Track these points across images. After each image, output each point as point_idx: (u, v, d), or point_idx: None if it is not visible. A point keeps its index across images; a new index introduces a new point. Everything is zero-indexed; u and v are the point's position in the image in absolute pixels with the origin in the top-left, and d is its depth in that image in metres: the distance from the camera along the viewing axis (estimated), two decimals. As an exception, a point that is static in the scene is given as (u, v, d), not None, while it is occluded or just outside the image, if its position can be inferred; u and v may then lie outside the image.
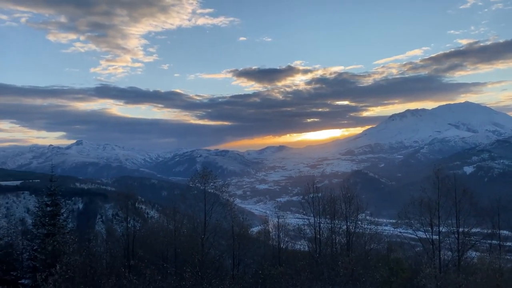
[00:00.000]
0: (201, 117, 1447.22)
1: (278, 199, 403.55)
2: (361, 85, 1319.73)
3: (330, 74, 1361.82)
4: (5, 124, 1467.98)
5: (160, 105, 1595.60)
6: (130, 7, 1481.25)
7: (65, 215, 38.76)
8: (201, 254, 31.85)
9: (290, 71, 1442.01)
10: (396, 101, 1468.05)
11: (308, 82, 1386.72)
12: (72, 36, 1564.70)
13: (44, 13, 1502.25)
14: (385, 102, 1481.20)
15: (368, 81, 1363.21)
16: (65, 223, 37.53)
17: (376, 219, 42.15)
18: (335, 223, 36.60)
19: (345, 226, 36.37)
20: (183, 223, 39.77)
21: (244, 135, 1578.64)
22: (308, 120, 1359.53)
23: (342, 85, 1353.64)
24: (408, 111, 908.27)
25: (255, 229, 55.24)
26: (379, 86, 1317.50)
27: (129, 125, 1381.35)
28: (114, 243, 39.91)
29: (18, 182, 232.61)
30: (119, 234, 43.87)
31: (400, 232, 40.35)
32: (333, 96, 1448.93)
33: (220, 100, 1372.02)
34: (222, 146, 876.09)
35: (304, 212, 38.80)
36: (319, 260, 31.17)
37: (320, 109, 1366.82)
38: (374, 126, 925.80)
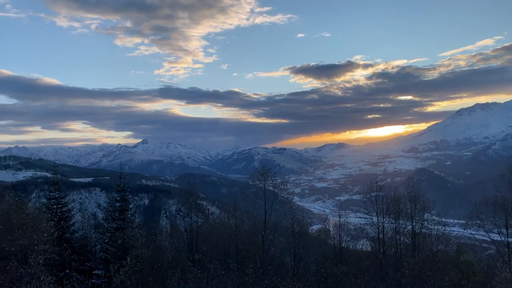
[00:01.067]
0: (258, 115, 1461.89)
1: (338, 198, 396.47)
2: (425, 79, 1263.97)
3: (392, 68, 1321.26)
4: (78, 125, 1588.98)
5: (219, 104, 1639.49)
6: (191, 10, 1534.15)
7: (132, 210, 40.74)
8: (262, 251, 32.18)
9: (349, 66, 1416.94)
10: (464, 95, 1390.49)
11: (369, 77, 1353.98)
12: (137, 40, 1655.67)
13: (111, 19, 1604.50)
14: (452, 96, 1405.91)
15: (433, 75, 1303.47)
16: (133, 217, 39.33)
17: (443, 220, 40.01)
18: (399, 222, 35.39)
19: (410, 226, 35.04)
20: (243, 220, 40.31)
21: (301, 132, 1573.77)
22: (369, 116, 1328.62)
23: (405, 79, 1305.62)
24: (477, 105, 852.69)
25: (314, 228, 54.75)
26: (445, 80, 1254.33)
27: (190, 124, 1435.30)
28: (178, 238, 41.28)
29: (90, 179, 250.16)
30: (182, 229, 45.34)
31: (470, 234, 37.99)
32: (396, 91, 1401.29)
33: (277, 98, 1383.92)
34: (279, 144, 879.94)
35: (367, 211, 37.85)
36: (384, 261, 30.23)
37: (381, 105, 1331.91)
38: (439, 121, 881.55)
